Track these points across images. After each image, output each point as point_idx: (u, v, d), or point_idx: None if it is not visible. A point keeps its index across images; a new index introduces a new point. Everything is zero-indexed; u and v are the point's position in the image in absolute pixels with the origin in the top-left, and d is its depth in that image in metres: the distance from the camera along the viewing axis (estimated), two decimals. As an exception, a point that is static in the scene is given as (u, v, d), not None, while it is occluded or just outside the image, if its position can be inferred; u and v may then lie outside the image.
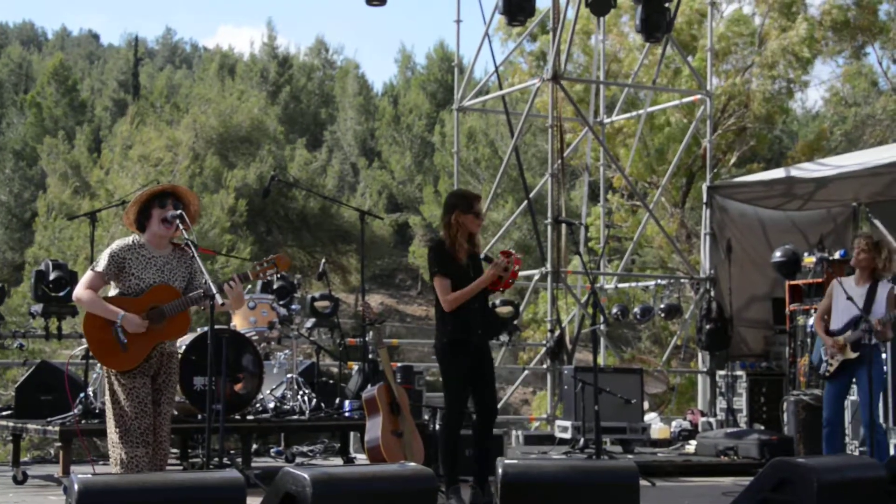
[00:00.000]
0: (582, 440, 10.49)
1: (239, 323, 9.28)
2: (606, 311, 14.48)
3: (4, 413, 9.19)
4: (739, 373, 12.39)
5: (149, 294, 5.83)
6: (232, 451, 9.75)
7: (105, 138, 28.76)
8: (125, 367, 5.79)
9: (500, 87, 14.71)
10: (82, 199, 22.12)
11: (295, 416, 9.09)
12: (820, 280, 11.50)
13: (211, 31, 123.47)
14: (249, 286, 9.54)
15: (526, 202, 13.91)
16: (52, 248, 20.77)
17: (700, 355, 13.67)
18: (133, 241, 5.92)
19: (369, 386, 8.04)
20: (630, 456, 10.61)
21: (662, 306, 14.10)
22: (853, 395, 10.44)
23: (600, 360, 14.28)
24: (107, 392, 5.88)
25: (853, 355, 8.30)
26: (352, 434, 9.96)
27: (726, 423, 12.08)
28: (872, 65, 26.37)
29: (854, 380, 8.61)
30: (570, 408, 11.07)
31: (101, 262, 5.87)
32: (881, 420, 9.92)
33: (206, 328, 7.97)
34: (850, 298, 8.25)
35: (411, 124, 32.79)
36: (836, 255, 11.60)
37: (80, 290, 5.86)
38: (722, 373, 12.60)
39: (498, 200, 24.80)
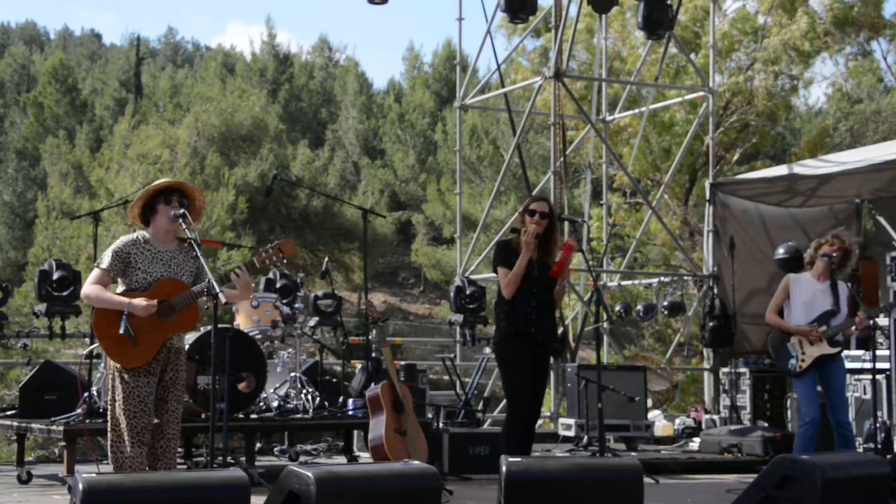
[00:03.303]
0: (585, 438, 10.49)
1: (242, 322, 9.28)
2: (609, 309, 14.47)
3: (9, 413, 9.19)
4: (743, 370, 12.38)
5: (156, 287, 5.83)
6: (235, 450, 9.74)
7: (106, 138, 28.80)
8: (137, 363, 5.78)
9: (503, 85, 14.70)
10: (82, 198, 22.13)
11: (298, 415, 9.09)
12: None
13: (220, 30, 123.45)
14: (253, 284, 9.54)
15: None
16: (53, 248, 20.77)
17: (705, 352, 13.65)
18: (138, 237, 5.93)
19: (372, 384, 8.03)
20: (634, 453, 10.62)
21: (665, 304, 14.08)
22: (857, 392, 10.44)
23: (603, 358, 14.28)
24: (110, 391, 5.88)
25: (832, 350, 8.08)
26: (355, 432, 9.95)
27: (730, 420, 12.08)
28: (878, 61, 26.30)
29: (819, 376, 8.20)
30: (573, 405, 11.07)
31: (106, 259, 5.88)
32: (886, 417, 9.94)
33: (209, 327, 7.97)
34: (846, 295, 8.27)
35: (415, 122, 32.78)
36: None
37: (86, 287, 5.87)
38: (725, 370, 12.60)
39: (501, 198, 24.80)
